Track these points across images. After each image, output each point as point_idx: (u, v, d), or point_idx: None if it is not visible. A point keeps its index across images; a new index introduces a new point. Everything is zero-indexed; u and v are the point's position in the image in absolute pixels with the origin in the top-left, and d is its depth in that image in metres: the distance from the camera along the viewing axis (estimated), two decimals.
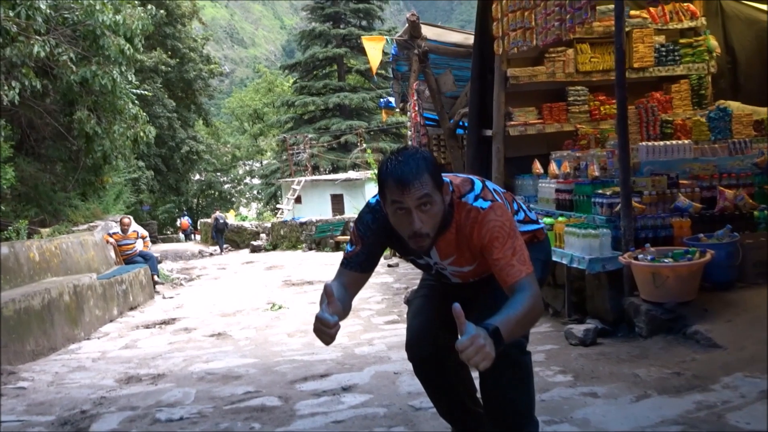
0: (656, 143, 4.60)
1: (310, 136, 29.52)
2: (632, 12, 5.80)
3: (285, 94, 36.02)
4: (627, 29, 5.79)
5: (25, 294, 4.66)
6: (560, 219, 4.60)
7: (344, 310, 1.76)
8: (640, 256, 3.72)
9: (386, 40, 6.20)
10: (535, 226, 2.00)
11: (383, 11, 35.33)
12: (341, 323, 1.71)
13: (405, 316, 5.75)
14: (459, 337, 1.43)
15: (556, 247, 4.43)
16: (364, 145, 27.05)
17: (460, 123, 7.42)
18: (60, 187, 12.69)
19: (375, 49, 6.23)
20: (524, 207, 2.01)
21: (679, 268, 3.55)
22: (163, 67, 24.51)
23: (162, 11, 23.32)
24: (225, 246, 19.53)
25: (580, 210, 4.56)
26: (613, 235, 4.11)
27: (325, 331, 1.60)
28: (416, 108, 6.84)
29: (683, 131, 5.11)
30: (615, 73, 4.06)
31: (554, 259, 4.57)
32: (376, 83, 32.68)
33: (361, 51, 33.47)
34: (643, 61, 5.80)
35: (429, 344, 2.03)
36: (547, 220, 4.65)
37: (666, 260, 3.62)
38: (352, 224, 1.97)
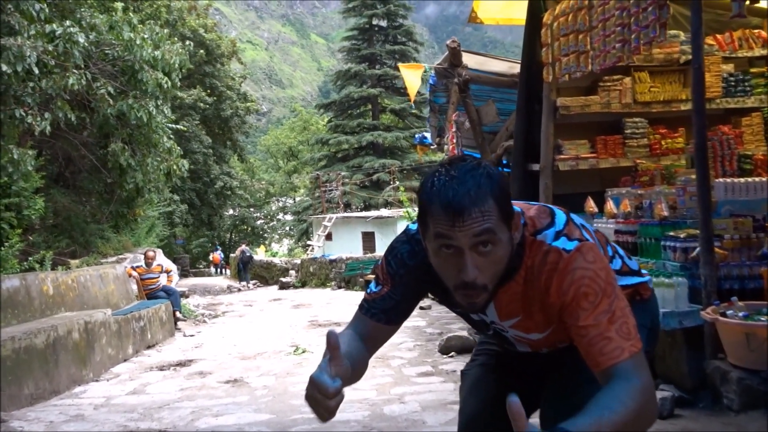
0: (736, 180, 4.02)
1: (343, 173, 29.48)
2: None
3: (319, 133, 36.37)
4: (691, 56, 5.29)
5: (27, 331, 4.29)
6: None
7: (354, 372, 1.22)
8: (729, 312, 3.12)
9: (425, 67, 5.85)
10: (637, 279, 1.43)
11: (418, 53, 35.67)
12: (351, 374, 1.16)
13: (440, 367, 5.19)
14: None
15: None
16: (397, 183, 26.77)
17: (502, 161, 6.96)
18: (93, 219, 12.70)
19: (413, 76, 5.87)
20: (621, 252, 1.44)
21: None
22: (201, 104, 24.98)
23: (201, 51, 24.04)
24: (253, 281, 19.32)
25: (646, 254, 3.98)
26: (689, 285, 3.52)
27: (321, 401, 1.04)
28: (454, 140, 6.41)
29: (764, 167, 4.51)
30: (692, 97, 3.56)
31: None
32: (410, 122, 32.73)
33: (396, 91, 33.90)
34: (709, 92, 5.22)
35: None
36: None
37: (762, 318, 3.00)
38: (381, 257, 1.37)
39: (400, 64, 5.78)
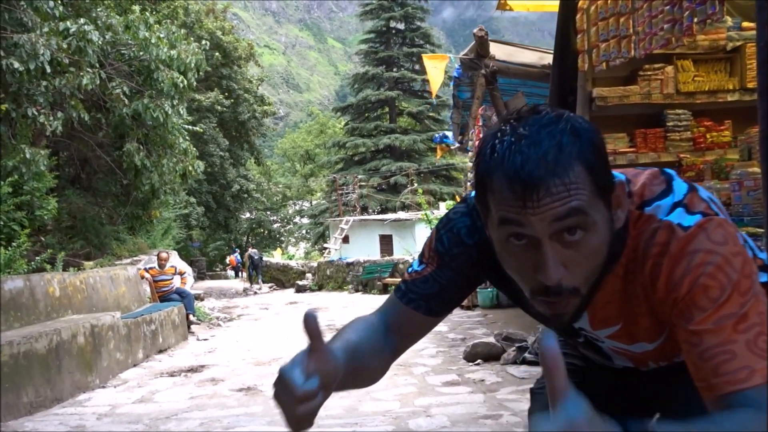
0: None
1: (359, 176, 29.24)
2: (745, 24, 4.90)
3: (336, 136, 36.21)
4: (739, 43, 4.91)
5: (27, 335, 4.04)
6: None
7: (354, 373, 0.89)
8: None
9: (449, 58, 5.51)
10: None
11: None
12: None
13: (466, 376, 4.84)
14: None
15: None
16: (416, 185, 26.45)
17: None
18: (108, 221, 12.61)
19: (436, 68, 5.52)
20: (750, 242, 1.09)
21: None
22: (218, 107, 24.93)
23: (217, 54, 23.99)
24: (270, 284, 19.29)
25: None
26: None
27: (288, 404, 0.74)
28: (481, 135, 6.06)
29: None
30: (757, 79, 3.17)
31: None
32: (428, 125, 32.38)
33: (413, 94, 33.57)
34: (755, 82, 4.85)
35: None
36: None
37: None
38: (430, 235, 1.08)
39: (423, 55, 5.41)
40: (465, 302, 9.80)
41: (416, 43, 33.39)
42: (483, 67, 5.57)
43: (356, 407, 4.04)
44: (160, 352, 6.77)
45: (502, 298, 9.42)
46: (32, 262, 6.65)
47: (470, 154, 6.95)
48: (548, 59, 5.51)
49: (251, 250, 21.39)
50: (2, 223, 7.21)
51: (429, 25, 36.42)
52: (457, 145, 10.37)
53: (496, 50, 5.66)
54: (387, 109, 33.23)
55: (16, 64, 8.04)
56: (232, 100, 26.20)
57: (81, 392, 4.66)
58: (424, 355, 6.08)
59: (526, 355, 5.14)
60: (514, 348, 5.35)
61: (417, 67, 33.56)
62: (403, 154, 31.27)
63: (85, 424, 3.74)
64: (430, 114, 32.71)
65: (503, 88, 6.51)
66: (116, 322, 5.55)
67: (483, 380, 4.67)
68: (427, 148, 31.19)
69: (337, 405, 4.14)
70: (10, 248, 6.20)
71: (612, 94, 4.81)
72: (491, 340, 5.73)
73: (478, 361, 5.41)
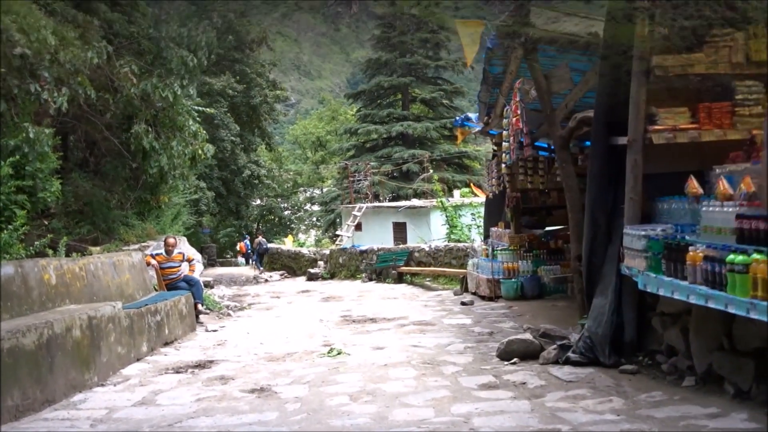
0: None
1: (371, 164, 28.71)
2: None
3: (348, 122, 35.63)
4: None
5: (14, 329, 3.58)
6: (758, 257, 3.13)
7: None
8: None
9: (485, 24, 4.95)
10: None
11: (450, 41, 34.48)
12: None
13: (504, 378, 4.29)
14: None
15: (754, 297, 3.04)
16: (431, 171, 25.86)
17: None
18: (116, 205, 12.24)
19: (471, 35, 4.96)
20: None
21: None
22: (230, 91, 24.45)
23: (230, 37, 23.45)
24: (281, 272, 19.05)
25: None
26: None
27: None
28: (518, 111, 5.50)
29: None
30: None
31: (740, 313, 3.18)
32: (441, 112, 31.66)
33: (426, 80, 32.77)
34: None
35: None
36: (740, 258, 3.19)
37: None
38: None
39: (456, 20, 4.83)
40: (487, 292, 9.20)
41: (430, 28, 32.57)
42: (522, 35, 5.00)
43: (385, 415, 3.55)
44: (166, 344, 6.32)
45: (526, 289, 8.88)
46: (31, 247, 6.21)
47: (505, 133, 6.38)
48: (596, 27, 4.94)
49: (260, 238, 21.30)
50: (1, 205, 6.77)
51: None
52: (479, 127, 9.80)
53: (536, 17, 5.09)
54: (399, 96, 32.60)
55: (17, 36, 7.57)
56: (244, 85, 25.72)
57: (76, 392, 4.21)
58: (452, 351, 5.58)
59: (570, 354, 4.62)
60: (554, 346, 4.84)
61: (431, 53, 32.80)
62: (415, 141, 30.67)
63: None
64: (444, 101, 32.04)
65: (540, 63, 5.93)
66: (117, 312, 5.09)
67: (524, 383, 4.16)
68: (440, 136, 30.60)
69: (362, 412, 3.66)
70: (5, 231, 5.75)
71: (674, 64, 4.24)
72: (527, 336, 5.21)
73: (514, 360, 4.90)
